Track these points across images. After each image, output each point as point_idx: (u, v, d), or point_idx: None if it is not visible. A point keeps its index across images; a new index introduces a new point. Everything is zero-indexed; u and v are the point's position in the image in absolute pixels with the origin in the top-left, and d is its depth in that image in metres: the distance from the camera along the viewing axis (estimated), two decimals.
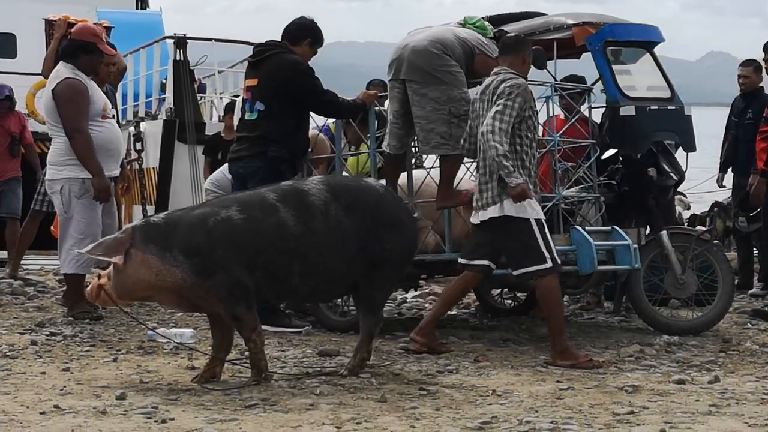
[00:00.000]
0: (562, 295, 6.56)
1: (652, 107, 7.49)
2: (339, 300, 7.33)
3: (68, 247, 7.45)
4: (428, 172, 7.35)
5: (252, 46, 8.09)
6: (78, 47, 7.63)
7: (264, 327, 5.93)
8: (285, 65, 7.28)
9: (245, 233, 5.49)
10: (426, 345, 6.48)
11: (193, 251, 5.40)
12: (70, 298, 7.67)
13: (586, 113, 7.63)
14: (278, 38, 7.50)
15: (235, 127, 8.04)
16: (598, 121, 7.75)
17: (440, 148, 6.90)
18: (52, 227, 9.10)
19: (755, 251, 9.79)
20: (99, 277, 5.63)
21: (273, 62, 7.30)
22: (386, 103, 8.01)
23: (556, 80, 7.43)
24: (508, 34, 6.98)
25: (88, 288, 5.79)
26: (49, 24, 8.76)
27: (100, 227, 7.34)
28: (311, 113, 7.60)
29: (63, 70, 7.57)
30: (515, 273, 6.42)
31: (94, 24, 8.30)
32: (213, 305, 5.55)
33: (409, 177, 7.28)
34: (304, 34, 7.46)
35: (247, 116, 7.39)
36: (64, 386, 5.42)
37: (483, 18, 7.40)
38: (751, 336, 7.44)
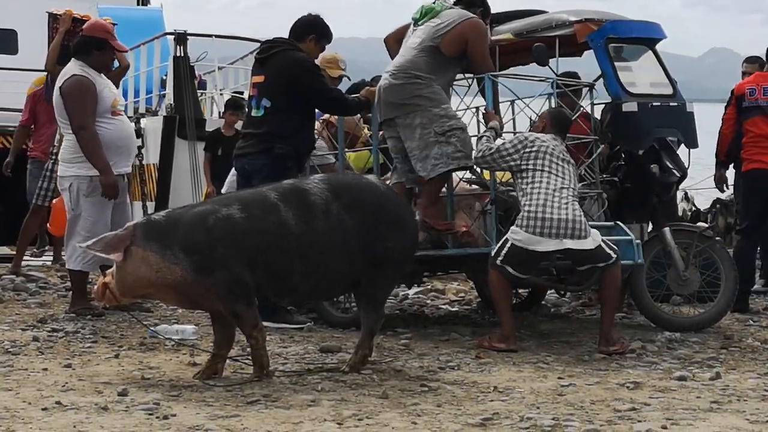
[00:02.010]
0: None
1: (654, 104, 7.49)
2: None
3: (74, 243, 7.45)
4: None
5: (252, 43, 8.11)
6: (90, 43, 7.62)
7: (265, 323, 5.94)
8: (291, 62, 7.28)
9: (246, 232, 5.48)
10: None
11: (193, 249, 5.40)
12: (73, 294, 7.68)
13: (588, 110, 7.64)
14: (283, 35, 7.52)
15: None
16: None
17: (437, 169, 6.86)
18: (48, 224, 9.04)
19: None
20: (104, 275, 5.64)
21: (279, 59, 7.31)
22: None
23: (557, 77, 7.42)
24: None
25: (95, 287, 5.80)
26: (53, 17, 8.75)
27: (108, 226, 7.26)
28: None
29: (72, 67, 7.57)
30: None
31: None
32: (213, 303, 5.55)
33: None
34: (309, 30, 7.47)
35: (253, 113, 7.39)
36: (66, 382, 5.42)
37: None
38: (753, 333, 7.44)
